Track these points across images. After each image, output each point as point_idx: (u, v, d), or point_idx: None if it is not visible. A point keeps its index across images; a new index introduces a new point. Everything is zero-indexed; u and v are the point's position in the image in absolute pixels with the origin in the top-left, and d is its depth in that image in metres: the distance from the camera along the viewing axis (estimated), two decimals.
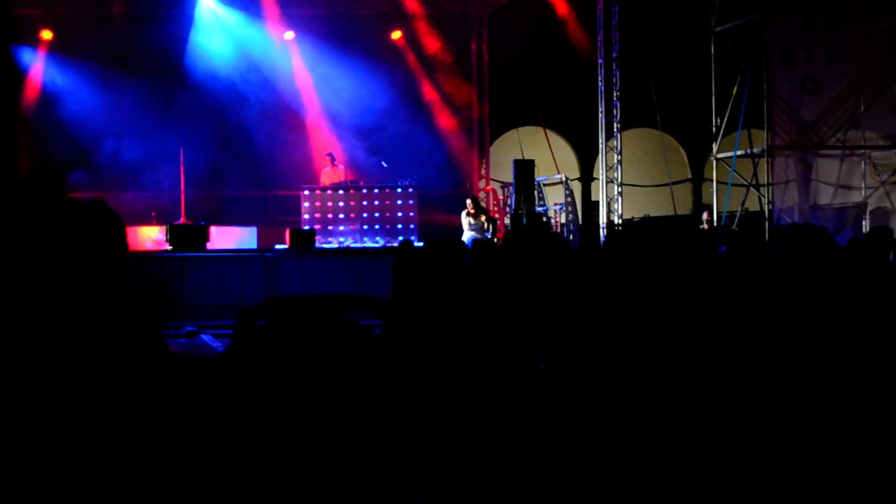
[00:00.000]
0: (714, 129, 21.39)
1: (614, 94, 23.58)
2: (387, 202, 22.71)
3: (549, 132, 26.19)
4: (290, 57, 25.75)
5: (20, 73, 23.93)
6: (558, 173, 24.89)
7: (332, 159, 23.48)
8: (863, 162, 20.48)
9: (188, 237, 19.03)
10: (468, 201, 20.92)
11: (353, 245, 21.99)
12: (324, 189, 22.65)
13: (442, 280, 10.14)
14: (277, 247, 20.83)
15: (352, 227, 22.45)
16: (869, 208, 20.39)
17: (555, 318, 6.24)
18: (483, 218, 20.57)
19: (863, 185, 20.43)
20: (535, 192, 23.16)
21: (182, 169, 21.62)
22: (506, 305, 8.30)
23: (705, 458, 3.70)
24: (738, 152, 20.93)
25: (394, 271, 12.73)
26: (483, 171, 27.47)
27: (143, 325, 3.06)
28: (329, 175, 23.23)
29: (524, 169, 22.87)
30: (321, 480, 3.08)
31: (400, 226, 22.61)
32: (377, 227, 22.57)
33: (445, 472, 4.19)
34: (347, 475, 3.10)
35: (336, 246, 21.80)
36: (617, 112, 23.63)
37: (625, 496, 3.69)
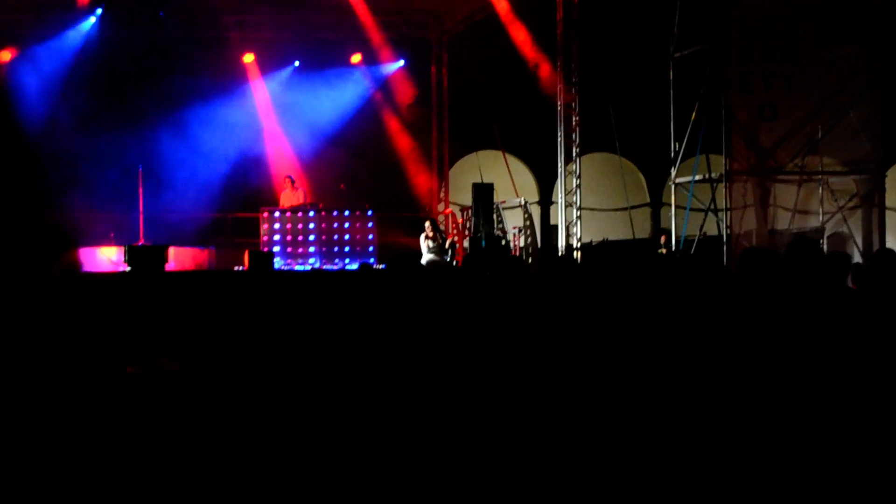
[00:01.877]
0: (672, 154, 21.44)
1: (573, 118, 23.67)
2: (345, 225, 22.66)
3: (508, 156, 26.25)
4: (249, 79, 25.77)
5: None
6: (517, 197, 24.94)
7: (292, 182, 23.43)
8: (820, 187, 20.63)
9: (147, 258, 18.85)
10: (427, 224, 20.96)
11: (311, 267, 21.93)
12: (283, 211, 22.58)
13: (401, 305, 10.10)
14: (236, 268, 20.75)
15: (310, 249, 22.37)
16: (826, 233, 20.51)
17: (525, 333, 6.26)
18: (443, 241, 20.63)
19: (820, 210, 20.57)
20: (495, 216, 23.20)
21: (141, 189, 21.49)
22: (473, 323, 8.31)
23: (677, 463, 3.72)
24: (697, 177, 20.98)
25: (352, 296, 12.63)
26: (442, 195, 27.50)
27: (98, 345, 3.03)
28: (288, 197, 23.17)
29: (483, 192, 22.96)
30: (300, 486, 3.07)
31: (359, 248, 22.57)
32: (336, 249, 22.51)
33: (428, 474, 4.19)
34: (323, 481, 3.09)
35: (295, 268, 21.74)
36: (576, 136, 23.72)
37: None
